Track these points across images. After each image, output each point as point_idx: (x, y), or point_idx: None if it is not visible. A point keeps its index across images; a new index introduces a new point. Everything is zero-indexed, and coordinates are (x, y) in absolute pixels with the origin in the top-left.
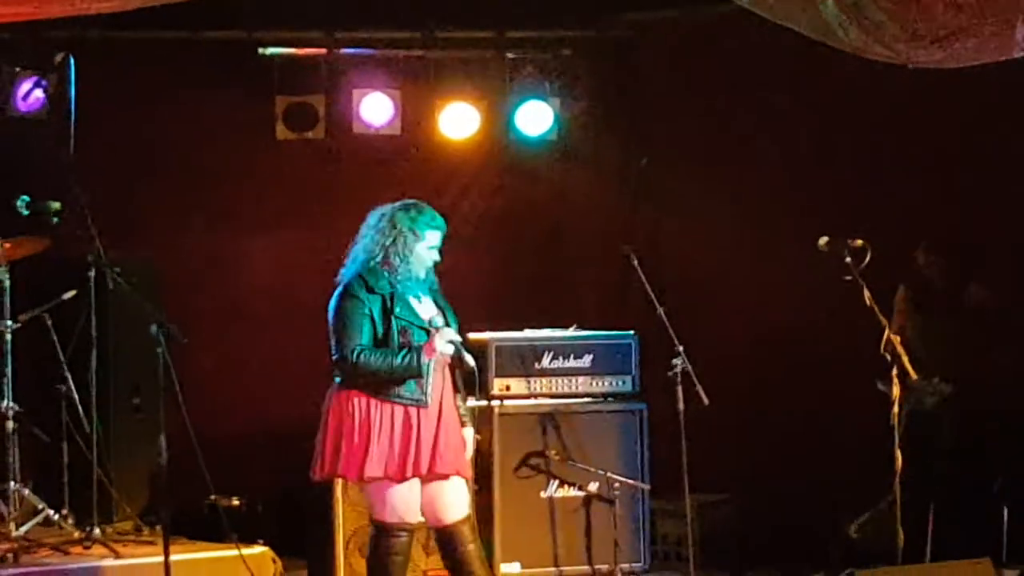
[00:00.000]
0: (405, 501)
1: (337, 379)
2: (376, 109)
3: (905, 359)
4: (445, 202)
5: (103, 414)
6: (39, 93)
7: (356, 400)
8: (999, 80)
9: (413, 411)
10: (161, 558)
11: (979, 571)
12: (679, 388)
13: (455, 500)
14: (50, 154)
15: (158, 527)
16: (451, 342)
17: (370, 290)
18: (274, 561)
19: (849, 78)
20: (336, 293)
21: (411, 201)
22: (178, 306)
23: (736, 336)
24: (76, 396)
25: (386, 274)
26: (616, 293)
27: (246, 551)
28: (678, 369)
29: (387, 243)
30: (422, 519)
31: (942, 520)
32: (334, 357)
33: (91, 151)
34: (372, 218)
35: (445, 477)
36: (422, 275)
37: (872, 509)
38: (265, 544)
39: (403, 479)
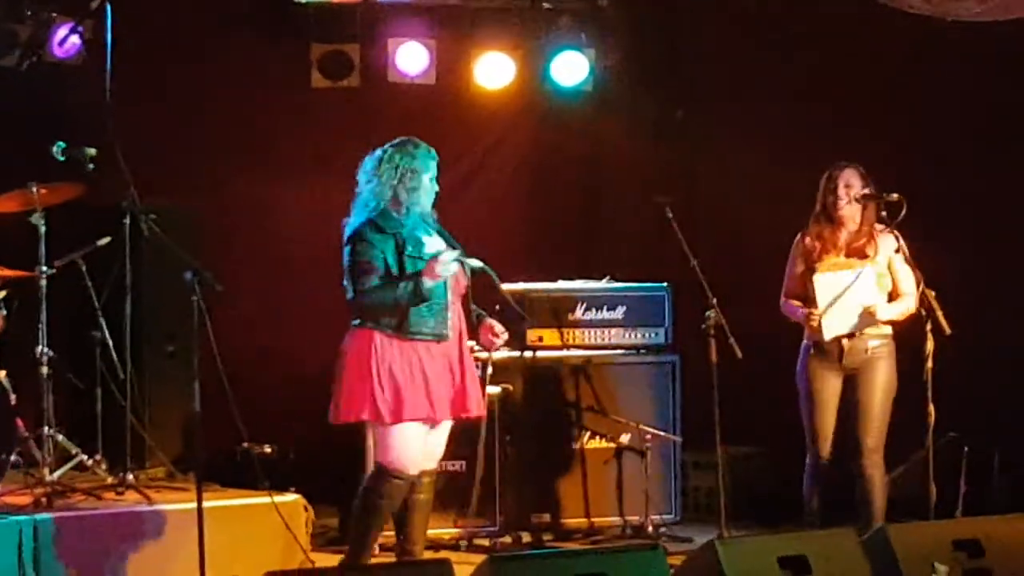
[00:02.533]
0: (420, 446)
1: (355, 322)
2: (411, 58)
3: (939, 313)
4: (479, 153)
5: (137, 361)
6: (75, 39)
7: (378, 339)
8: None
9: (436, 347)
10: (194, 504)
11: (1012, 526)
12: (712, 341)
13: (440, 445)
14: (86, 100)
15: (191, 473)
16: (455, 260)
17: (381, 231)
18: (306, 509)
19: (888, 24)
20: (347, 238)
21: (402, 139)
22: (213, 253)
23: (771, 289)
24: (110, 343)
25: (395, 215)
26: (650, 244)
27: (278, 498)
28: (711, 322)
29: (394, 183)
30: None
31: (974, 475)
32: (348, 299)
33: (127, 98)
34: (368, 164)
35: (466, 419)
36: (429, 210)
37: (905, 463)
38: (297, 492)
39: (436, 422)
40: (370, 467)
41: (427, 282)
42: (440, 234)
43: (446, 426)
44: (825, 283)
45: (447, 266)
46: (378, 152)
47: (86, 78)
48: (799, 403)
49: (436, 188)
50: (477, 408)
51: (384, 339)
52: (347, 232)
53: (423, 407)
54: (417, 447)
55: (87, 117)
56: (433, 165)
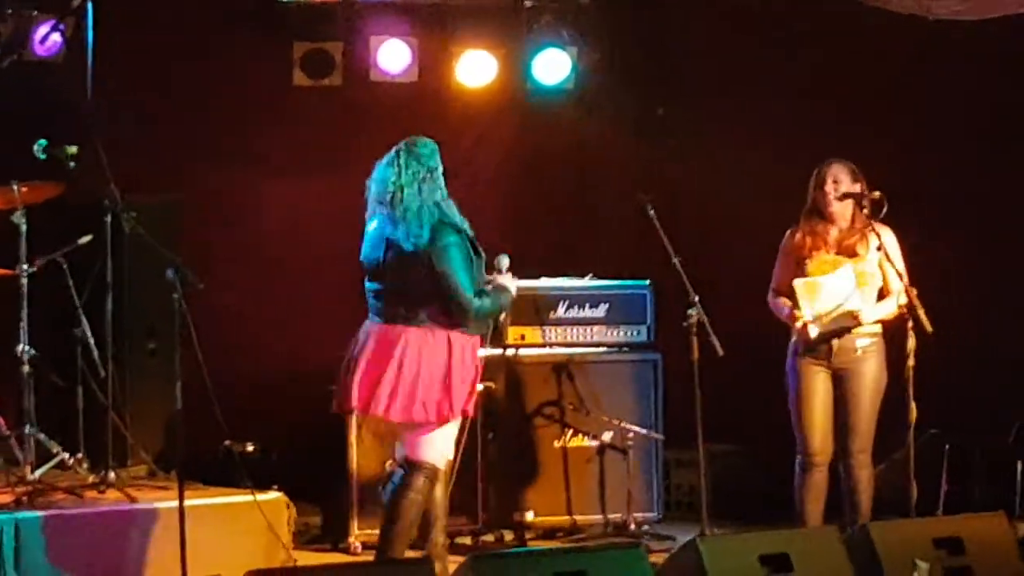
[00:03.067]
0: (445, 442)
1: (406, 317)
2: (393, 56)
3: (921, 311)
4: (461, 150)
5: (119, 358)
6: (56, 37)
7: (455, 338)
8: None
9: (472, 342)
10: (175, 503)
11: (992, 524)
12: (694, 338)
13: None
14: (67, 98)
15: (172, 472)
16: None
17: (459, 231)
18: (288, 507)
19: (873, 21)
20: (445, 244)
21: (415, 139)
22: (195, 250)
23: (753, 286)
24: (92, 340)
25: (448, 212)
26: (632, 242)
27: (260, 497)
28: (693, 319)
29: (442, 183)
30: None
31: (955, 473)
32: (455, 303)
33: (108, 96)
34: (410, 165)
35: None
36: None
37: (886, 461)
38: (279, 490)
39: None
40: (355, 465)
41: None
42: None
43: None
44: (804, 287)
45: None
46: (389, 156)
47: (67, 76)
48: (788, 401)
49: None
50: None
51: (458, 339)
52: (424, 240)
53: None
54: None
55: (68, 115)
56: (438, 159)
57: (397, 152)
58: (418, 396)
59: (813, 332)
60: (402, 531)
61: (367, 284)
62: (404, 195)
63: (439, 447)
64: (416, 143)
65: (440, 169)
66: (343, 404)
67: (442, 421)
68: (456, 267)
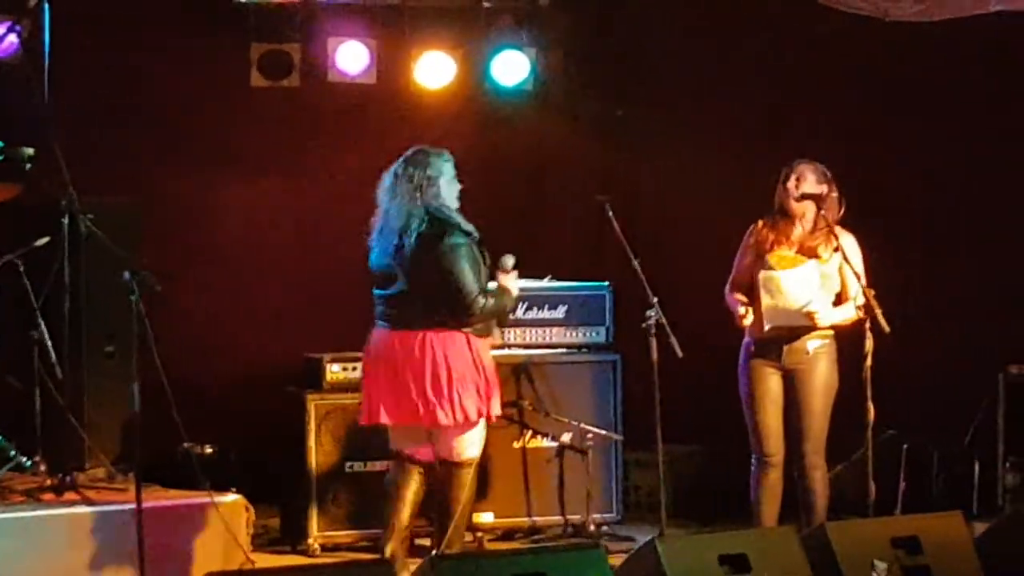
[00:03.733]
0: (480, 436)
1: (419, 321)
2: (351, 58)
3: (879, 312)
4: None
5: (76, 361)
6: (13, 38)
7: (472, 341)
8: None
9: (485, 343)
10: (133, 505)
11: (949, 524)
12: (653, 340)
13: None
14: (24, 100)
15: (130, 474)
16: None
17: (467, 234)
18: (247, 509)
19: (828, 23)
20: (449, 246)
21: (420, 147)
22: (152, 252)
23: (711, 288)
24: (49, 343)
25: (460, 219)
26: (591, 244)
27: (218, 499)
28: (652, 321)
29: (443, 189)
30: None
31: (913, 473)
32: (459, 301)
33: (65, 97)
34: (387, 181)
35: None
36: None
37: (844, 462)
38: (238, 492)
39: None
40: (314, 467)
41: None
42: None
43: None
44: (769, 280)
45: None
46: (392, 168)
47: (24, 78)
48: (741, 402)
49: (459, 185)
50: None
51: (474, 340)
52: (427, 242)
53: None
54: None
55: (25, 117)
56: (449, 167)
57: (401, 159)
58: (456, 398)
59: (768, 323)
60: (462, 526)
61: (376, 291)
62: (396, 205)
63: (477, 443)
64: (421, 150)
65: (446, 176)
66: (374, 417)
67: (483, 419)
68: (461, 267)
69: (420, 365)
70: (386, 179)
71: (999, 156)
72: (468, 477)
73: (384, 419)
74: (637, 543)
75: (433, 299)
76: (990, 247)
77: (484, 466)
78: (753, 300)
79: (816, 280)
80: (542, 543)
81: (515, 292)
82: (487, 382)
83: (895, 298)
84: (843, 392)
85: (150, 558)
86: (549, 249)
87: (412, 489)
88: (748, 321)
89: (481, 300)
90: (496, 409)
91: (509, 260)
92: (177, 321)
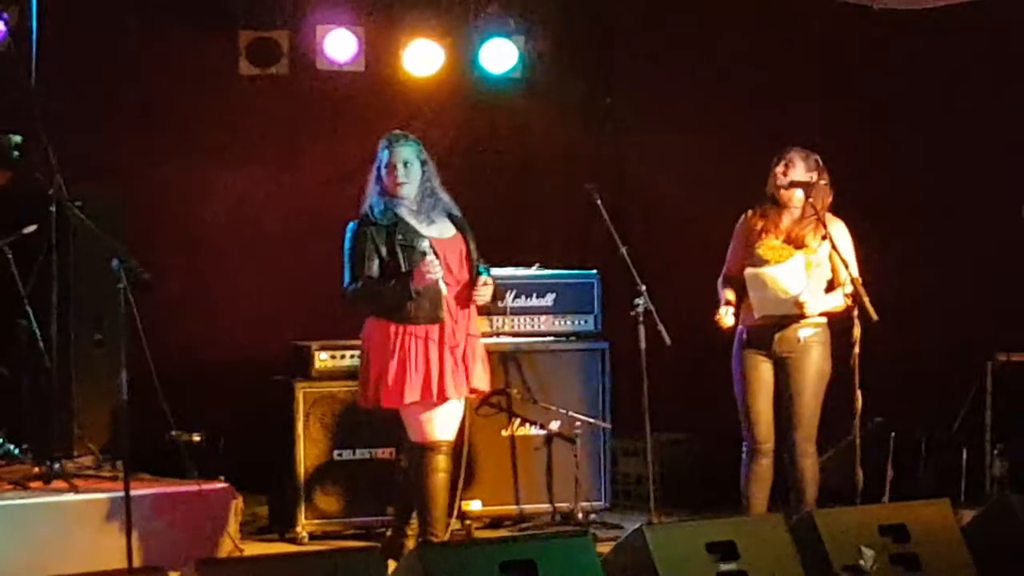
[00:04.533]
0: (445, 419)
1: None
2: (340, 45)
3: (866, 300)
4: None
5: (64, 349)
6: (0, 26)
7: (384, 328)
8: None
9: (435, 330)
10: (121, 493)
11: (937, 511)
12: (641, 328)
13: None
14: (11, 88)
15: (119, 462)
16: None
17: (373, 223)
18: (235, 497)
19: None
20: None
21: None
22: (141, 240)
23: (699, 275)
24: (37, 331)
25: (385, 206)
26: (580, 232)
27: (207, 487)
28: (640, 309)
29: (379, 174)
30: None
31: (901, 460)
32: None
33: (53, 85)
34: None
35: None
36: (414, 195)
37: (832, 449)
38: (226, 480)
39: (442, 401)
40: (303, 455)
41: (417, 285)
42: (451, 219)
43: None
44: (754, 277)
45: (434, 270)
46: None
47: (11, 66)
48: (732, 389)
49: (414, 172)
50: (481, 383)
51: (390, 327)
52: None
53: (435, 388)
54: (444, 416)
55: (13, 104)
56: (391, 152)
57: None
58: (367, 384)
59: (757, 312)
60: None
61: None
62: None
63: (426, 424)
64: (384, 138)
65: (382, 162)
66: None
67: (396, 405)
68: (344, 256)
69: (364, 352)
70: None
71: (989, 145)
72: (419, 460)
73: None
74: (625, 531)
75: None
76: (979, 235)
77: (472, 454)
78: (744, 291)
79: (803, 272)
80: (530, 531)
81: (430, 273)
82: (397, 369)
83: (883, 286)
84: (832, 380)
85: (138, 546)
86: (537, 237)
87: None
88: (727, 322)
89: (345, 287)
90: (397, 399)
91: (424, 243)
92: (165, 309)
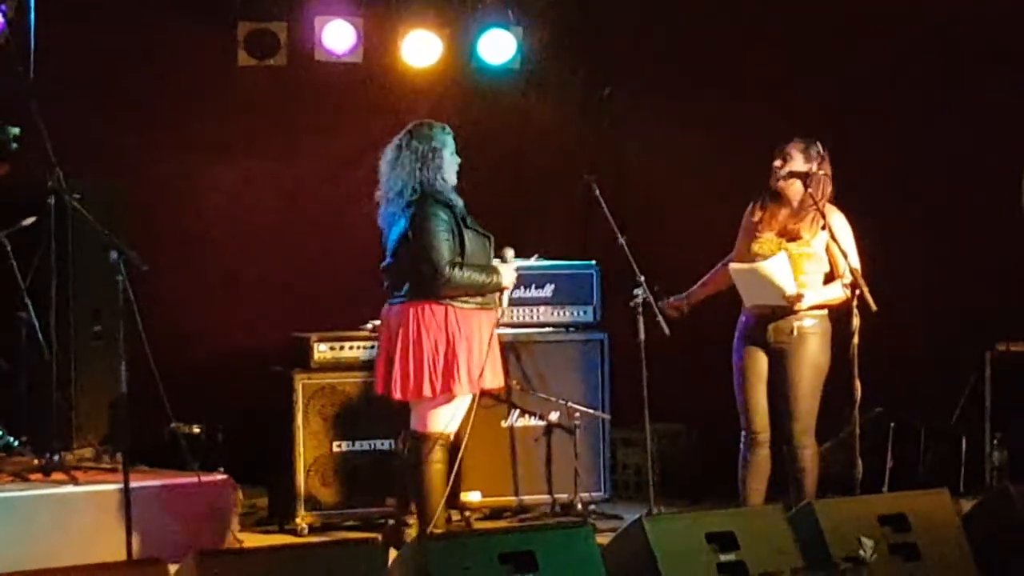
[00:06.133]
0: (457, 411)
1: (403, 294)
2: (338, 36)
3: (866, 290)
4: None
5: (63, 341)
6: None
7: (445, 312)
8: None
9: (487, 316)
10: (121, 485)
11: (937, 501)
12: (640, 318)
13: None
14: (10, 80)
15: (118, 454)
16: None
17: (447, 205)
18: (235, 489)
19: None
20: (414, 217)
21: (414, 123)
22: (140, 232)
23: (698, 266)
24: (36, 323)
25: (440, 192)
26: (578, 223)
27: (206, 479)
28: (639, 299)
29: (418, 166)
30: None
31: (900, 451)
32: (429, 269)
33: (51, 76)
34: (389, 154)
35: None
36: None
37: (832, 439)
38: (226, 472)
39: (477, 393)
40: (302, 446)
41: (503, 283)
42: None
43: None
44: (737, 273)
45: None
46: (395, 141)
47: (9, 58)
48: (732, 380)
49: (458, 160)
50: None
51: (460, 311)
52: (411, 212)
53: (488, 377)
54: (458, 408)
55: (11, 97)
56: (450, 140)
57: (405, 131)
58: (425, 372)
59: (748, 302)
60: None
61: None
62: (397, 175)
63: (443, 418)
64: (423, 124)
65: (448, 149)
66: (378, 388)
67: (449, 395)
68: (431, 236)
69: (395, 337)
70: (389, 152)
71: (989, 134)
72: (429, 452)
73: (380, 389)
74: (625, 521)
75: (404, 271)
76: (978, 225)
77: (471, 445)
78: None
79: (787, 267)
80: (530, 522)
81: (505, 279)
82: (468, 355)
83: (883, 276)
84: (831, 370)
85: (137, 538)
86: (536, 228)
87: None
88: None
89: (449, 269)
90: (462, 387)
91: (508, 252)
92: (164, 301)
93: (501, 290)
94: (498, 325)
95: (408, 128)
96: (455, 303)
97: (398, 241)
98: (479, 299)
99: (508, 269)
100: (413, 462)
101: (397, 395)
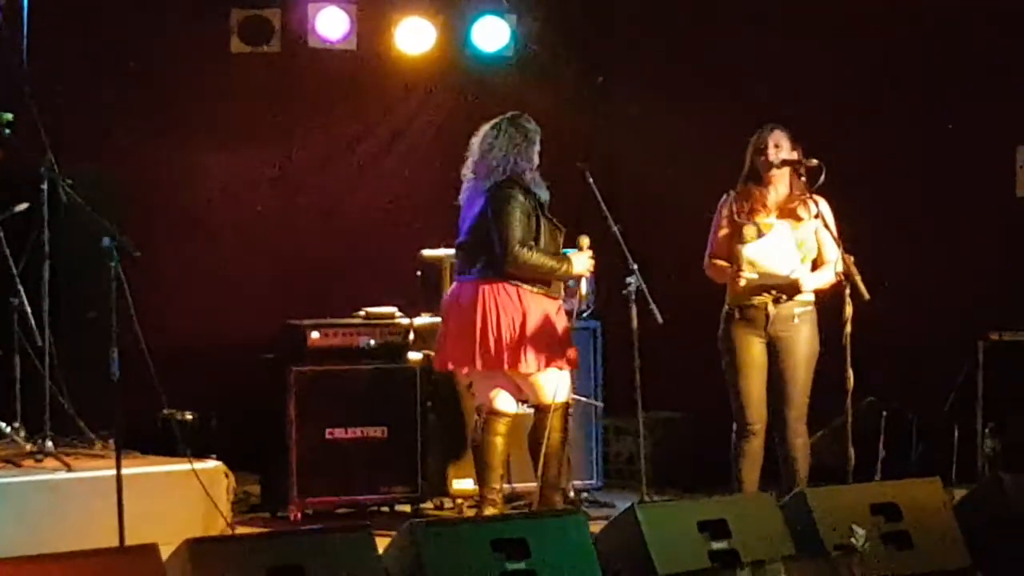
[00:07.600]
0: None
1: (474, 272)
2: (332, 23)
3: (858, 279)
4: (400, 117)
5: (55, 327)
6: None
7: (518, 293)
8: None
9: (550, 304)
10: (113, 471)
11: (928, 490)
12: (633, 306)
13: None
14: (3, 66)
15: (110, 441)
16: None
17: (528, 192)
18: (227, 475)
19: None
20: (494, 197)
21: (514, 112)
22: (133, 219)
23: (691, 254)
24: (29, 309)
25: (525, 178)
26: (571, 210)
27: (199, 465)
28: (632, 287)
29: (513, 152)
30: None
31: (892, 439)
32: (499, 249)
33: (45, 62)
34: (489, 132)
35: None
36: None
37: (824, 428)
38: (218, 459)
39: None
40: (295, 434)
41: (574, 270)
42: None
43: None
44: (745, 253)
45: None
46: (493, 122)
47: (3, 43)
48: (722, 369)
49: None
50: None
51: (527, 293)
52: (492, 192)
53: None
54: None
55: (4, 82)
56: (539, 139)
57: (506, 117)
58: (491, 346)
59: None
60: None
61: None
62: (492, 156)
63: (552, 387)
64: (522, 115)
65: (536, 145)
66: (442, 365)
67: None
68: (507, 215)
69: (473, 313)
70: (486, 132)
71: (980, 122)
72: (550, 420)
73: (450, 367)
74: (617, 509)
75: (480, 247)
76: (970, 214)
77: (464, 433)
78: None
79: (792, 243)
80: (522, 509)
81: (577, 268)
82: (542, 336)
83: (875, 264)
84: (822, 359)
85: (130, 524)
86: None
87: (495, 443)
88: (744, 280)
89: (519, 249)
90: (530, 364)
91: (584, 240)
92: (158, 287)
93: (574, 277)
94: (578, 316)
95: (508, 115)
96: (524, 284)
97: (475, 220)
98: (544, 286)
99: (582, 257)
100: (535, 436)
101: (479, 365)
